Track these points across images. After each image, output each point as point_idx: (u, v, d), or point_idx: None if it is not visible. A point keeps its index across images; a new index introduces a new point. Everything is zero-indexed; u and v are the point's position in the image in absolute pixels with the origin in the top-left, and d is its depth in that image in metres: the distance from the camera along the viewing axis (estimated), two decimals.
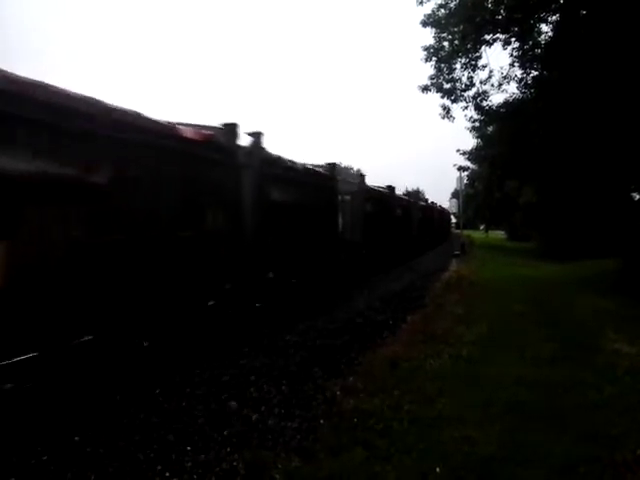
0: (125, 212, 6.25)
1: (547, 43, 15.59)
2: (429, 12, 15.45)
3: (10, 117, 4.77)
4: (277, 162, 10.79)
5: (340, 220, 15.90)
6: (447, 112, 17.17)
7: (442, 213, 47.19)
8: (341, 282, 14.69)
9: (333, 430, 4.86)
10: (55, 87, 5.40)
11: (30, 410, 5.11)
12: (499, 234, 68.72)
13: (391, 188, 23.01)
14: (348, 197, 16.52)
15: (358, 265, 16.97)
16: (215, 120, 9.18)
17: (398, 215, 24.12)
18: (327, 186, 14.16)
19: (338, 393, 5.85)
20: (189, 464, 4.30)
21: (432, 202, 45.45)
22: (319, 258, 13.23)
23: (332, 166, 15.07)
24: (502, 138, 18.78)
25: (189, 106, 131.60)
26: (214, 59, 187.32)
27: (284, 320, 9.91)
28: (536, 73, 16.78)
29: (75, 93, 5.63)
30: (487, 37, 15.28)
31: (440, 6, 15.21)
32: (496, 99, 22.57)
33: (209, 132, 8.29)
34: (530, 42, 15.83)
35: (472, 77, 16.40)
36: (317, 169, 13.80)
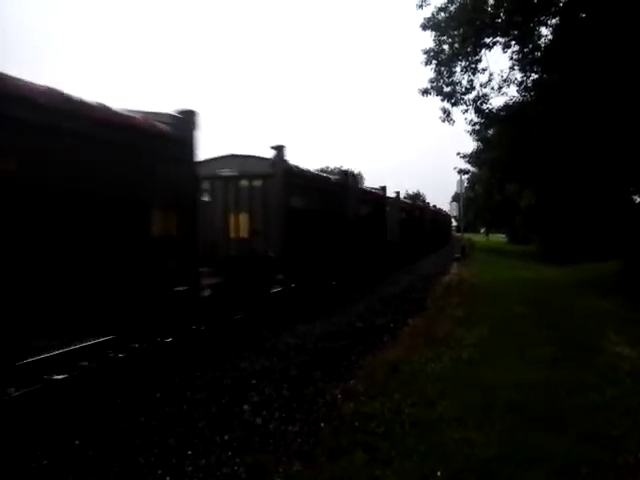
0: None
1: (547, 46, 15.61)
2: (429, 15, 15.49)
3: None
4: None
5: (220, 221, 11.17)
6: (447, 115, 17.18)
7: (438, 214, 43.89)
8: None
9: (334, 433, 4.86)
10: None
11: None
12: (500, 237, 68.72)
13: (345, 174, 17.48)
14: (258, 183, 11.30)
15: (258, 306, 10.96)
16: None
17: (361, 216, 17.73)
18: (168, 155, 7.54)
19: (339, 396, 5.85)
20: (190, 468, 4.30)
21: (423, 200, 45.02)
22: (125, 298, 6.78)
23: (188, 116, 8.18)
24: (502, 141, 18.78)
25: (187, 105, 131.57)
26: (215, 61, 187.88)
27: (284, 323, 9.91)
28: (536, 76, 16.81)
29: None
30: (487, 40, 15.30)
31: (440, 9, 15.24)
32: (496, 102, 22.40)
33: None
34: (530, 45, 15.85)
35: (472, 80, 16.43)
36: (133, 115, 7.08)
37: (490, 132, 20.16)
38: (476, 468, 4.11)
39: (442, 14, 15.22)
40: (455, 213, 34.76)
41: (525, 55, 16.00)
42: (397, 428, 4.91)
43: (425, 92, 16.64)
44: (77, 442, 4.80)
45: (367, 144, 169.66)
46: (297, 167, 12.47)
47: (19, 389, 5.76)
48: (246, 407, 5.61)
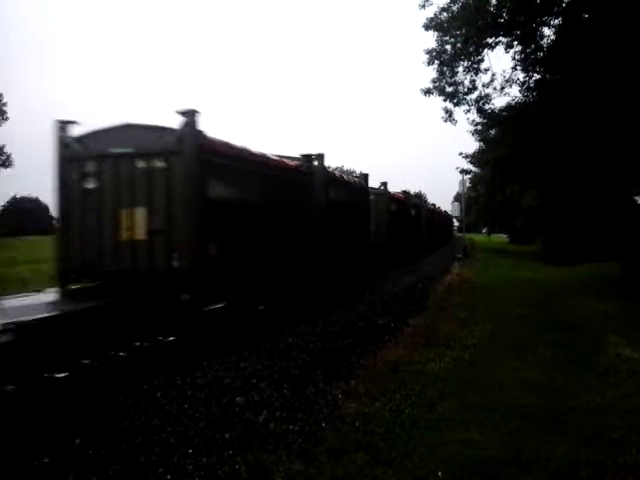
0: None
1: (549, 46, 15.59)
2: (431, 15, 15.48)
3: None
4: None
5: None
6: (449, 115, 17.19)
7: (413, 207, 27.35)
8: None
9: (335, 433, 4.86)
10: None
11: None
12: (501, 237, 68.64)
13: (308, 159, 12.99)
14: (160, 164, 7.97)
15: None
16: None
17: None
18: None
19: (340, 396, 5.86)
20: (191, 467, 4.30)
21: (425, 200, 40.77)
22: None
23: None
24: (504, 141, 18.79)
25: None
26: (220, 60, 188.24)
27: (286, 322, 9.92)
28: (538, 76, 16.79)
29: None
30: (489, 40, 15.29)
31: (442, 9, 15.23)
32: (498, 102, 22.49)
33: None
34: (532, 45, 15.83)
35: (474, 80, 16.43)
36: None
37: (492, 132, 20.16)
38: (477, 469, 4.12)
39: (445, 14, 15.22)
40: (457, 213, 34.74)
41: (527, 55, 15.98)
42: (398, 428, 4.92)
43: (427, 92, 16.66)
44: (78, 441, 4.81)
45: (369, 143, 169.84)
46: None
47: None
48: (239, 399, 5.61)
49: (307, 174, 12.56)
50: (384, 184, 21.50)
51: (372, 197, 19.10)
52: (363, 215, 17.21)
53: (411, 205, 26.92)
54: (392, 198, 21.88)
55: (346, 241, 15.00)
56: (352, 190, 16.07)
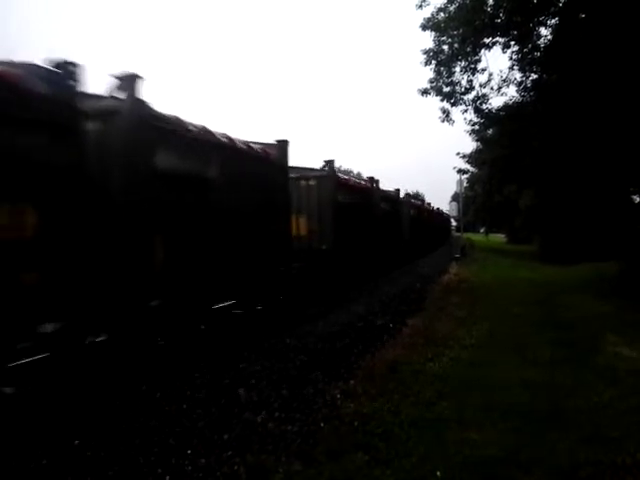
0: None
1: (546, 46, 15.60)
2: (428, 16, 15.48)
3: None
4: None
5: None
6: (447, 115, 17.16)
7: (385, 201, 22.34)
8: None
9: (333, 434, 4.85)
10: None
11: None
12: (499, 237, 68.72)
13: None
14: None
15: None
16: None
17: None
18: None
19: (338, 397, 5.85)
20: (189, 468, 4.30)
21: (422, 200, 41.18)
22: None
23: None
24: (501, 141, 18.81)
25: (188, 105, 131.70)
26: (219, 60, 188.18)
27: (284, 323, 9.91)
28: (535, 76, 16.80)
29: None
30: (486, 40, 15.29)
31: (439, 10, 15.22)
32: (496, 102, 22.59)
33: None
34: (529, 45, 15.85)
35: (472, 80, 16.41)
36: None
37: (490, 132, 20.18)
38: (476, 469, 4.11)
39: (442, 14, 15.20)
40: (455, 213, 34.72)
41: (524, 55, 15.99)
42: (396, 428, 4.91)
43: (425, 92, 16.64)
44: (76, 442, 4.80)
45: (367, 144, 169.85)
46: None
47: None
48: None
49: (83, 116, 5.85)
50: (329, 163, 15.38)
51: (312, 182, 14.32)
52: (276, 208, 10.94)
53: (380, 197, 20.94)
54: (341, 184, 15.90)
55: (227, 250, 8.84)
56: (248, 165, 9.76)
